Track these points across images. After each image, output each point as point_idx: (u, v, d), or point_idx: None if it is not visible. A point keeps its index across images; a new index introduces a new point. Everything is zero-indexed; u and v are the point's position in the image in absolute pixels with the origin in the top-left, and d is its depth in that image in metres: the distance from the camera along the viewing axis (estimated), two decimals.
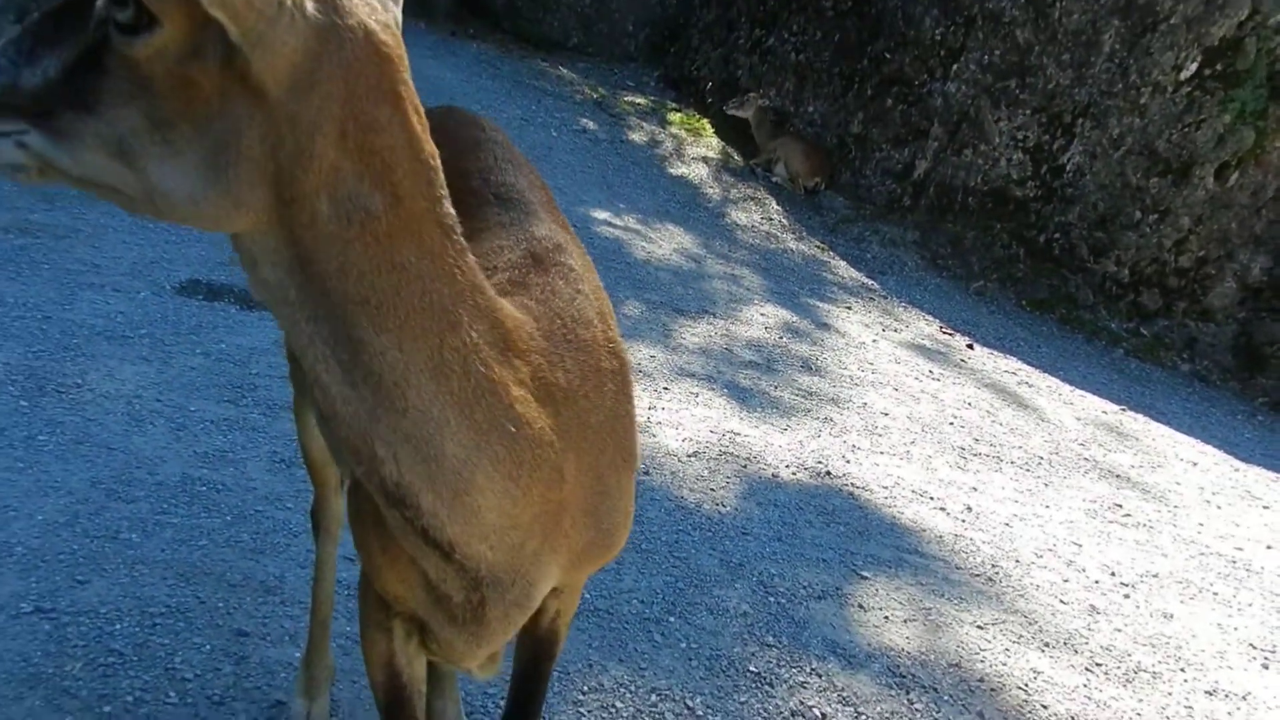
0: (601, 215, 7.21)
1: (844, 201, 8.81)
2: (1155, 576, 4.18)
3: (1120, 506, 4.81)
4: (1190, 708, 3.31)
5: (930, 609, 3.52)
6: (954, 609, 3.56)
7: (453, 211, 1.22)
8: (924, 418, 5.28)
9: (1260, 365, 7.13)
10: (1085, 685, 3.30)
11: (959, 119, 8.39)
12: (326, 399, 1.20)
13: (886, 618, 3.40)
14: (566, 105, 9.43)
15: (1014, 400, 5.93)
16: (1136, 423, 6.06)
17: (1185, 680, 3.47)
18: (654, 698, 2.76)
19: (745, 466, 4.23)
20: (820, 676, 3.01)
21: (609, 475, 1.51)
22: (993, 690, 3.15)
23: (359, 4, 1.12)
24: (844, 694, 2.95)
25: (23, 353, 3.63)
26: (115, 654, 2.44)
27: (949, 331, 6.93)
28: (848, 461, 4.53)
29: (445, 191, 1.20)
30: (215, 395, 3.70)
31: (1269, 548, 4.74)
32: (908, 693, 3.04)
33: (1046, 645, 3.48)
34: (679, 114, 10.03)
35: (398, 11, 1.24)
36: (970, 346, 6.71)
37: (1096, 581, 4.02)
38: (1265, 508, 5.24)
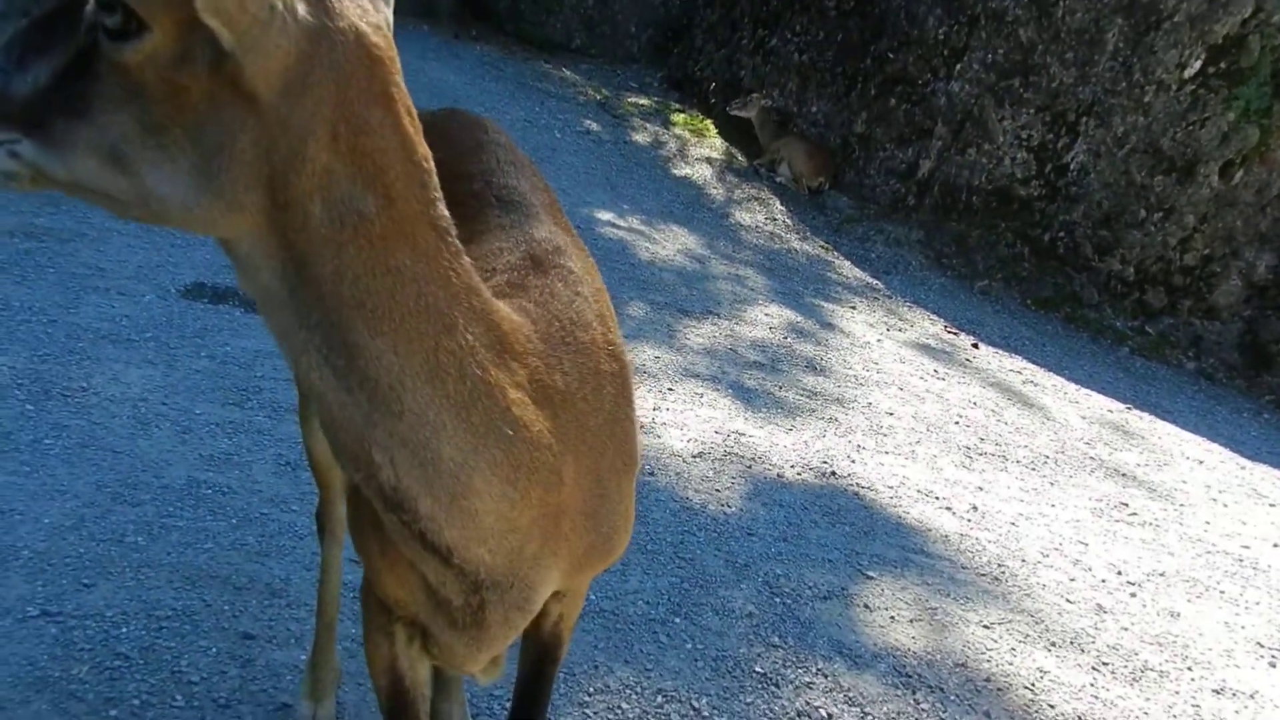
0: (605, 216, 7.21)
1: (848, 201, 8.80)
2: (1162, 575, 4.17)
3: (1126, 505, 4.80)
4: (1198, 706, 3.30)
5: (936, 609, 3.51)
6: (960, 609, 3.55)
7: (447, 214, 1.21)
8: (929, 417, 5.27)
9: (1266, 363, 7.11)
10: (1092, 684, 3.29)
11: (963, 118, 8.38)
12: (323, 405, 1.20)
13: (892, 618, 3.39)
14: (570, 107, 9.43)
15: (1019, 399, 5.92)
16: (1142, 421, 6.04)
17: (1192, 679, 3.46)
18: (660, 699, 2.75)
19: (750, 467, 4.23)
20: (826, 677, 3.00)
21: (609, 478, 1.50)
22: (999, 690, 3.15)
23: (350, 6, 1.11)
24: (850, 694, 2.95)
25: (28, 356, 3.64)
26: (122, 657, 2.45)
27: (954, 331, 6.92)
28: (853, 461, 4.52)
29: (439, 194, 1.20)
30: (220, 398, 3.71)
31: (1276, 546, 4.73)
32: (914, 693, 3.03)
33: (1053, 644, 3.47)
34: (682, 115, 10.04)
35: (389, 13, 1.24)
36: (975, 346, 6.70)
37: (1103, 580, 4.01)
38: (1272, 505, 5.23)
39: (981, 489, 4.60)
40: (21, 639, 2.43)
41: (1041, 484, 4.82)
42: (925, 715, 2.95)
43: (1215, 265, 7.38)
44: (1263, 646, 3.78)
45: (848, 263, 7.87)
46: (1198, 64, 7.41)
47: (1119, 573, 4.10)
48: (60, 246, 4.59)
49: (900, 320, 6.90)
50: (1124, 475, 5.18)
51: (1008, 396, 5.91)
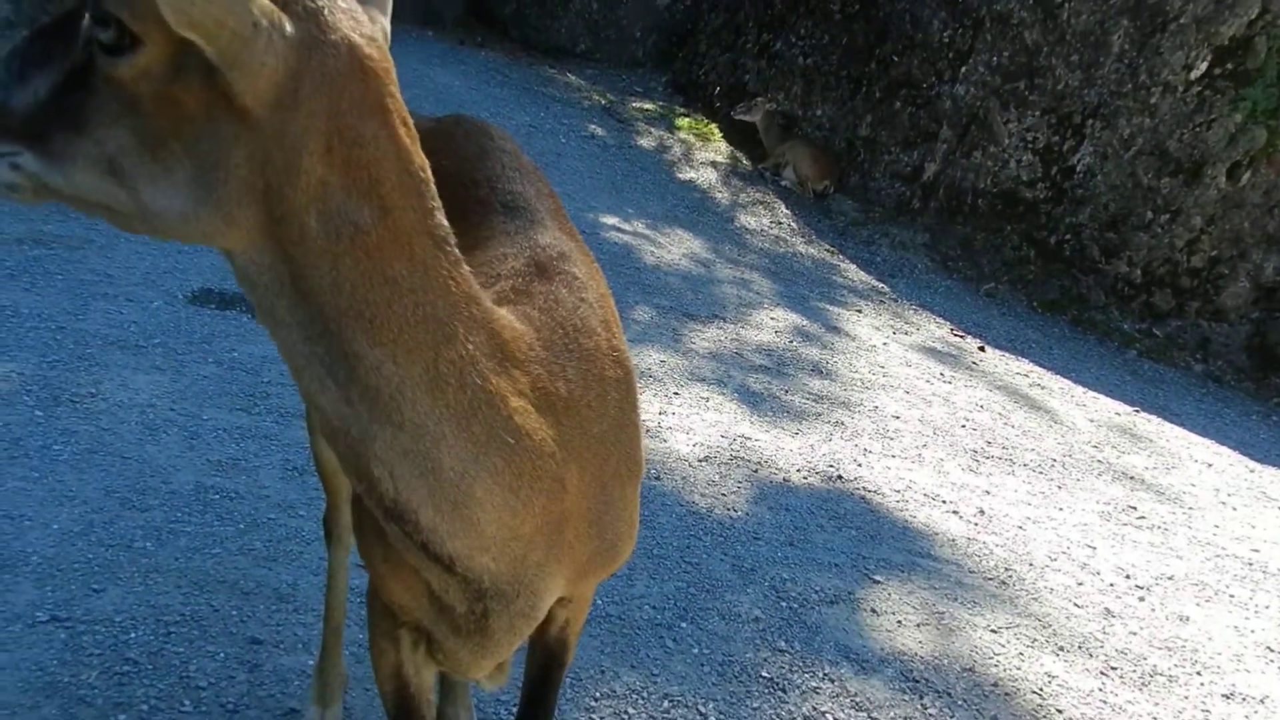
0: (610, 221, 7.22)
1: (853, 205, 8.80)
2: (1170, 579, 4.15)
3: (1135, 509, 4.78)
4: (1207, 711, 3.29)
5: (943, 613, 3.50)
6: (967, 613, 3.54)
7: (445, 223, 1.21)
8: (936, 421, 5.26)
9: (1275, 365, 7.08)
10: (1101, 689, 3.28)
11: (968, 121, 8.38)
12: (323, 417, 1.20)
13: (899, 622, 3.39)
14: (575, 112, 9.45)
15: (1026, 402, 5.91)
16: (1150, 424, 6.02)
17: (1202, 683, 3.44)
18: (666, 704, 2.75)
19: (756, 471, 4.23)
20: (833, 681, 3.00)
21: (613, 485, 1.50)
22: (1007, 694, 3.14)
23: (342, 19, 1.11)
24: (857, 699, 2.94)
25: (37, 363, 3.66)
26: (130, 662, 2.46)
27: (960, 334, 6.91)
28: (859, 465, 4.52)
29: (437, 203, 1.20)
30: (228, 404, 3.73)
31: None
32: (921, 697, 3.02)
33: (1061, 649, 3.46)
34: (687, 119, 10.05)
35: (386, 23, 1.24)
36: (982, 349, 6.69)
37: (1111, 584, 3.99)
38: None
39: (988, 492, 4.59)
40: (31, 644, 2.44)
41: (1049, 487, 4.81)
42: None
43: (1223, 267, 7.35)
44: (1273, 650, 3.76)
45: (853, 266, 7.86)
46: (1204, 65, 7.39)
47: (1127, 576, 4.09)
48: (69, 253, 4.62)
49: (906, 323, 6.89)
50: (1132, 478, 5.16)
51: (1015, 400, 5.90)
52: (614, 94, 10.28)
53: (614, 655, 2.89)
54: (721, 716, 2.75)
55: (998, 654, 3.34)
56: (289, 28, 1.06)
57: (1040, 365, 6.63)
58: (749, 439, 4.49)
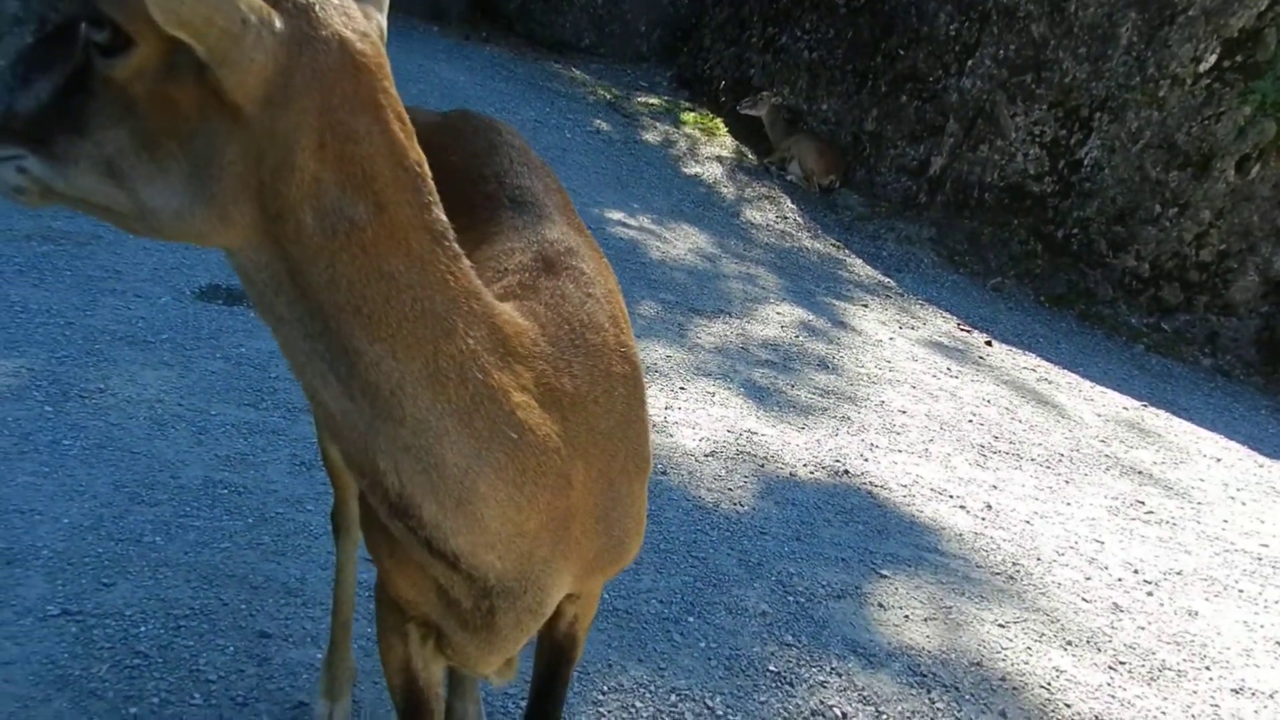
0: (616, 216, 7.22)
1: (859, 199, 8.78)
2: (1179, 574, 4.14)
3: (1143, 503, 4.77)
4: (1216, 706, 3.28)
5: (951, 607, 3.50)
6: (975, 607, 3.54)
7: (444, 218, 1.21)
8: (942, 415, 5.25)
9: None
10: (1109, 684, 3.27)
11: (974, 114, 8.35)
12: (326, 414, 1.21)
13: (907, 616, 3.39)
14: (580, 106, 9.44)
15: (1034, 397, 5.89)
16: (1158, 419, 6.00)
17: (1211, 679, 3.43)
18: (674, 697, 2.76)
19: (763, 466, 4.22)
20: (840, 676, 3.00)
21: (620, 482, 1.49)
22: (1015, 689, 3.14)
23: (333, 14, 1.11)
24: (864, 693, 2.94)
25: (46, 358, 3.68)
26: (141, 656, 2.47)
27: (967, 328, 6.89)
28: (866, 460, 4.51)
29: (434, 198, 1.19)
30: (236, 399, 3.74)
31: None
32: (929, 692, 3.02)
33: (1069, 644, 3.45)
34: (692, 114, 10.03)
35: (381, 20, 1.24)
36: (989, 343, 6.68)
37: (1119, 579, 3.99)
38: None
39: (996, 487, 4.58)
40: (42, 638, 2.45)
41: (1056, 482, 4.80)
42: (940, 714, 2.94)
43: (1231, 261, 7.32)
44: None
45: (859, 261, 7.85)
46: (1213, 58, 7.35)
47: (1135, 571, 4.08)
48: (77, 249, 4.63)
49: (913, 318, 6.88)
50: (1140, 473, 5.15)
51: (1022, 394, 5.89)
52: (619, 89, 10.27)
53: (621, 649, 2.90)
54: (729, 710, 2.75)
55: (1005, 648, 3.34)
56: (278, 24, 1.06)
57: (1047, 360, 6.61)
58: (755, 434, 4.49)
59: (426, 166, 1.19)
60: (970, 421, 5.27)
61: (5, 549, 2.72)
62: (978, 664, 3.21)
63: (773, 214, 8.41)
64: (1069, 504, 4.58)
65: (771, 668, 2.96)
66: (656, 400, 4.56)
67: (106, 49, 1.05)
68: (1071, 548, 4.16)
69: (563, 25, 10.89)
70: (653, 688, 2.77)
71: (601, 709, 2.66)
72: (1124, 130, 7.68)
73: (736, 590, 3.31)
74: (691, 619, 3.11)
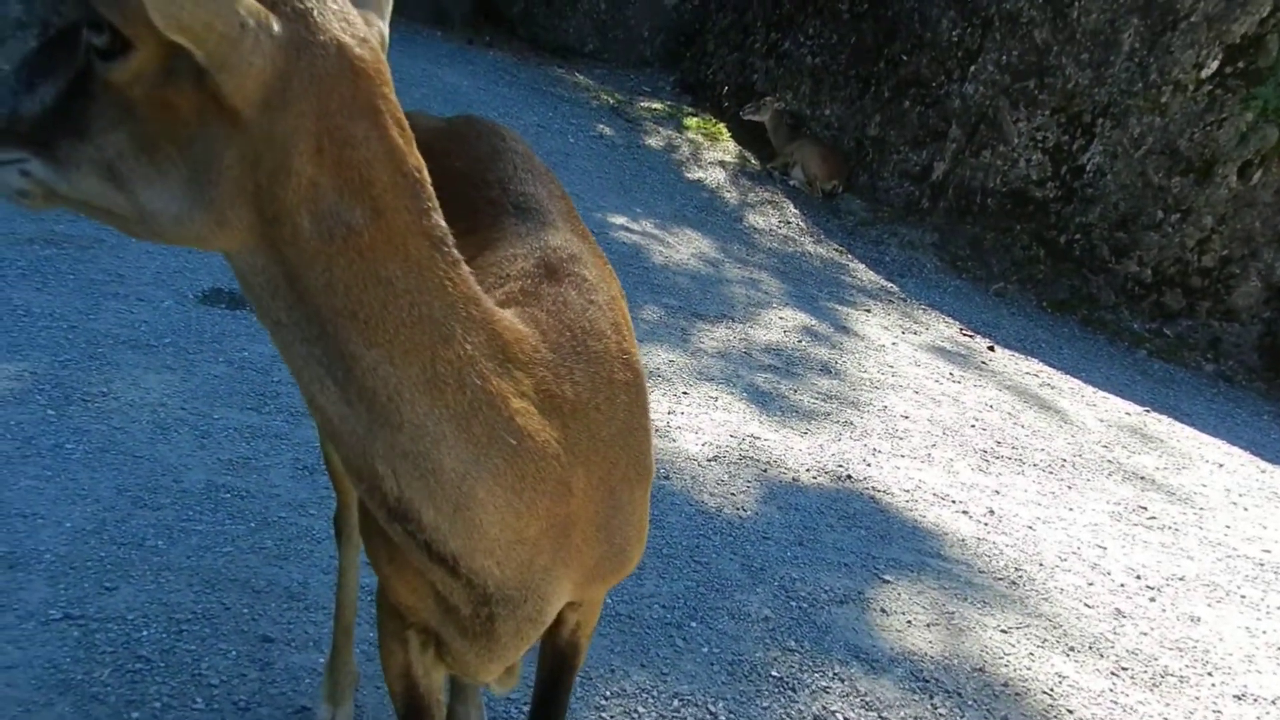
0: (619, 220, 7.23)
1: (862, 204, 8.78)
2: (1181, 579, 4.13)
3: (1145, 509, 4.76)
4: (1219, 712, 3.28)
5: (953, 613, 3.50)
6: (977, 613, 3.53)
7: (443, 224, 1.20)
8: (945, 420, 5.25)
9: None
10: (1111, 689, 3.27)
11: (977, 120, 8.35)
12: (324, 418, 1.20)
13: (909, 622, 3.38)
14: (583, 111, 9.46)
15: (1036, 402, 5.89)
16: (1160, 424, 6.00)
17: (1213, 684, 3.43)
18: (676, 703, 2.75)
19: (765, 470, 4.22)
20: (843, 681, 2.99)
21: (621, 490, 1.48)
22: (1017, 695, 3.13)
23: (331, 20, 1.11)
24: (867, 699, 2.94)
25: (49, 362, 3.68)
26: (143, 660, 2.47)
27: (969, 334, 6.89)
28: (868, 465, 4.51)
29: (433, 204, 1.19)
30: (238, 403, 3.74)
31: None
32: (931, 697, 3.02)
33: (1071, 649, 3.45)
34: (695, 119, 10.04)
35: (383, 26, 1.24)
36: (991, 348, 6.67)
37: (1122, 585, 3.98)
38: None
39: (998, 492, 4.57)
40: (44, 641, 2.46)
41: (1059, 487, 4.79)
42: None
43: (1234, 266, 7.32)
44: None
45: (862, 266, 7.85)
46: (1215, 64, 7.36)
47: (1138, 577, 4.07)
48: (80, 253, 4.64)
49: (915, 323, 6.87)
50: (1142, 479, 5.14)
51: (1024, 399, 5.88)
52: (622, 94, 10.28)
53: (624, 654, 2.89)
54: (731, 715, 2.75)
55: (1008, 654, 3.33)
56: (276, 28, 1.06)
57: (1050, 365, 6.60)
58: (758, 438, 4.49)
59: (426, 172, 1.19)
60: (973, 427, 5.27)
61: (7, 553, 2.72)
62: (980, 669, 3.21)
63: (775, 219, 8.41)
64: (1071, 509, 4.58)
65: (774, 673, 2.96)
66: (659, 405, 4.56)
67: (106, 53, 1.05)
68: (1074, 553, 4.16)
69: (566, 30, 10.91)
70: (655, 693, 2.77)
71: (604, 714, 2.65)
72: (1126, 136, 7.68)
73: (739, 595, 3.31)
74: (694, 624, 3.11)
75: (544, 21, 10.88)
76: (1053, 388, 6.21)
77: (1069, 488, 4.81)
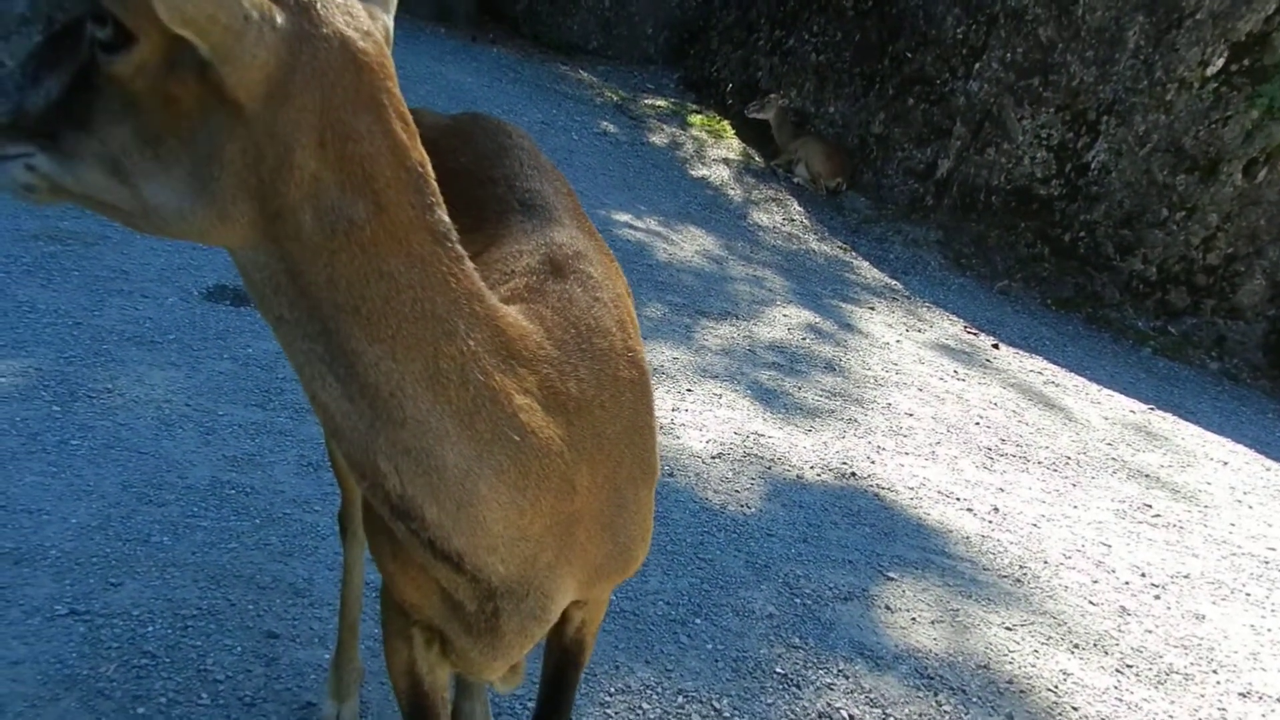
0: (623, 218, 7.22)
1: (866, 202, 8.77)
2: (1186, 577, 4.13)
3: (1150, 507, 4.76)
4: (1224, 709, 3.27)
5: (958, 610, 3.49)
6: (982, 610, 3.53)
7: (446, 219, 1.20)
8: (949, 418, 5.24)
9: None
10: (1116, 687, 3.26)
11: (982, 118, 8.34)
12: (326, 415, 1.20)
13: (914, 619, 3.38)
14: (587, 109, 9.45)
15: (1040, 400, 5.88)
16: (1165, 422, 5.99)
17: (1218, 682, 3.42)
18: (680, 699, 2.75)
19: (770, 468, 4.22)
20: (847, 678, 2.99)
21: (626, 488, 1.48)
22: (1022, 692, 3.13)
23: (335, 13, 1.11)
24: (871, 695, 2.94)
25: (54, 359, 3.69)
26: (148, 656, 2.48)
27: (973, 331, 6.88)
28: (873, 462, 4.51)
29: (436, 199, 1.19)
30: (243, 399, 3.74)
31: None
32: (936, 694, 3.02)
33: (1076, 646, 3.44)
34: (699, 116, 10.03)
35: (388, 20, 1.24)
36: (995, 346, 6.66)
37: (1126, 582, 3.98)
38: None
39: (1003, 490, 4.57)
40: (50, 637, 2.46)
41: (1063, 485, 4.78)
42: (947, 717, 2.93)
43: (1239, 264, 7.30)
44: None
45: (866, 263, 7.84)
46: (1220, 61, 7.33)
47: (1143, 575, 4.07)
48: (85, 250, 4.65)
49: (919, 321, 6.87)
50: (1147, 476, 5.13)
51: (1029, 397, 5.88)
52: (626, 91, 10.27)
53: (628, 650, 2.90)
54: (736, 712, 2.75)
55: (1012, 651, 3.33)
56: (280, 21, 1.06)
57: (1054, 363, 6.59)
58: (762, 436, 4.49)
59: (429, 167, 1.19)
60: (977, 424, 5.26)
61: (13, 549, 2.73)
62: (985, 666, 3.21)
63: (779, 216, 8.40)
64: (1076, 507, 4.57)
65: (778, 670, 2.96)
66: (663, 402, 4.56)
67: (109, 46, 1.05)
68: (1078, 550, 4.15)
69: (570, 27, 10.91)
70: (660, 689, 2.77)
71: (609, 710, 2.65)
72: (1131, 134, 7.66)
73: (743, 592, 3.31)
74: (698, 621, 3.11)
75: (548, 18, 10.88)
76: (1057, 385, 6.20)
77: (1073, 485, 4.81)
